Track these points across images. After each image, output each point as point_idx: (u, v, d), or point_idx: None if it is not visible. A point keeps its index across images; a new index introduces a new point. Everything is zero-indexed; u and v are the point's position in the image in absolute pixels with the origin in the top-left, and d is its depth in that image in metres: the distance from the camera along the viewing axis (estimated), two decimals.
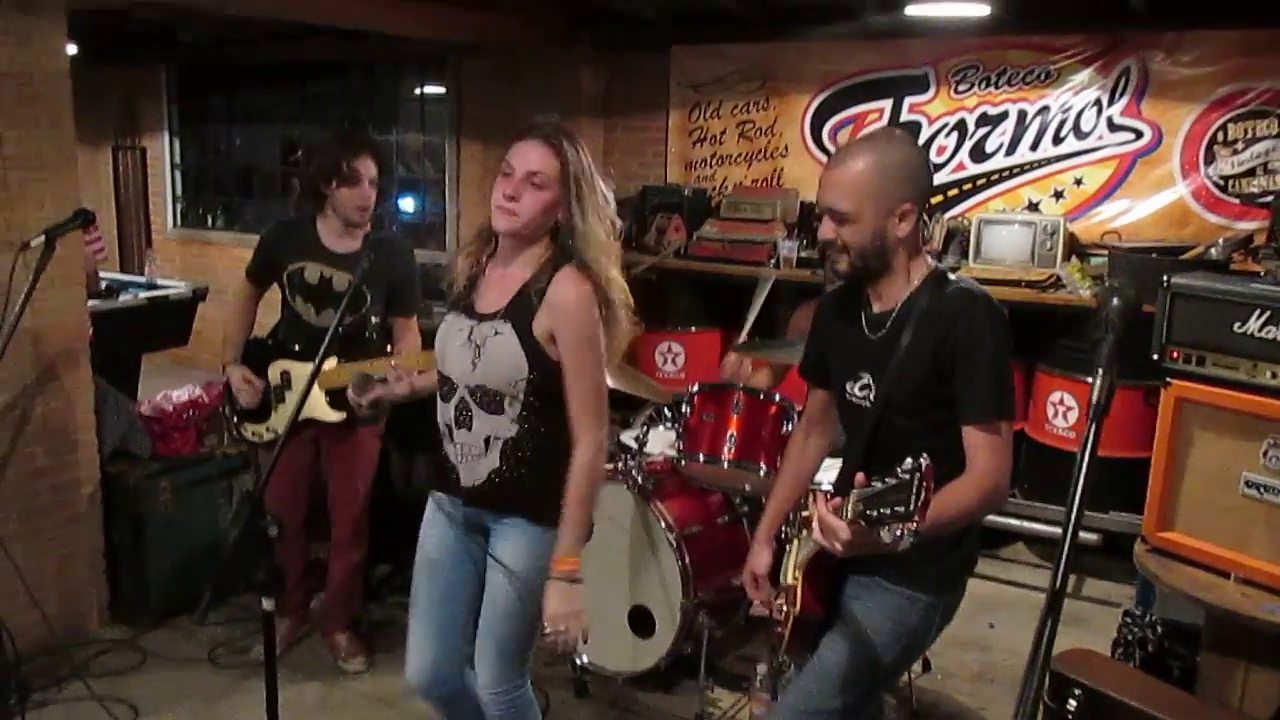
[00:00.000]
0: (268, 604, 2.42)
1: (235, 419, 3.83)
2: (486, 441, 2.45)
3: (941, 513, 1.97)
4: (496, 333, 2.40)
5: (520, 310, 2.39)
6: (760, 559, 2.52)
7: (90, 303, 4.20)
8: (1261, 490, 2.79)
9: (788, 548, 2.47)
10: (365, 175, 3.58)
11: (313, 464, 3.84)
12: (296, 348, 3.70)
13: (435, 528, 2.63)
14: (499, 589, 2.50)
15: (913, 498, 1.71)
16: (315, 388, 3.55)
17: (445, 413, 2.52)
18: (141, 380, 5.47)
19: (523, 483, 2.45)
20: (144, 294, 5.49)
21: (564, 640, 2.39)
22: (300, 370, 3.67)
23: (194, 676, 3.84)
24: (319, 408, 3.63)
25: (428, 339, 3.75)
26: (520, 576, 2.47)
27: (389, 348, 3.73)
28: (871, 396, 2.26)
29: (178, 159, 8.93)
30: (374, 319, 3.67)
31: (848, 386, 2.33)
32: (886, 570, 2.26)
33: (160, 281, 5.84)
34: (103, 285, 5.38)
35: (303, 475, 3.81)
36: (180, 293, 5.60)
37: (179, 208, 9.01)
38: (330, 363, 3.57)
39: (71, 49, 3.90)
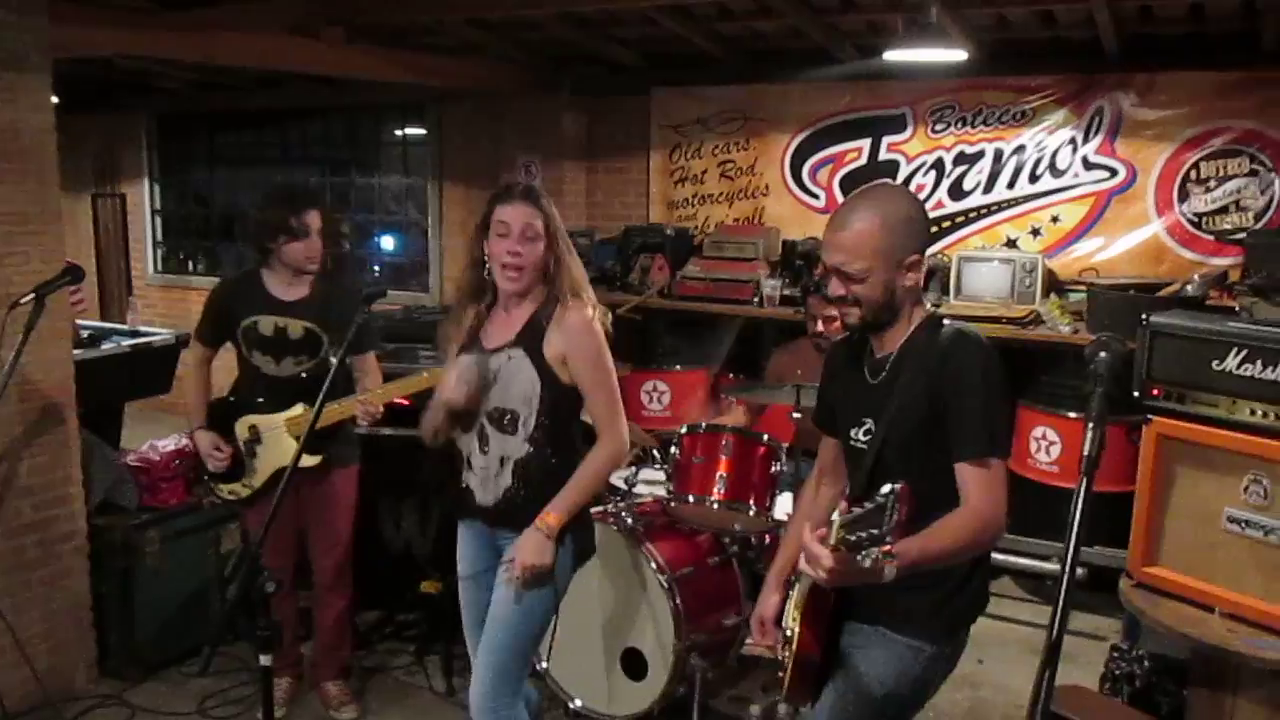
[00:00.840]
0: (265, 659, 2.42)
1: (209, 481, 3.82)
2: (501, 461, 2.72)
3: (929, 544, 1.98)
4: (510, 358, 2.69)
5: (531, 336, 2.68)
6: (768, 603, 2.52)
7: (73, 352, 4.19)
8: (1243, 525, 2.83)
9: (790, 593, 2.49)
10: (313, 228, 3.63)
11: (296, 511, 3.82)
12: (260, 400, 3.71)
13: (464, 555, 2.87)
14: (502, 603, 2.68)
15: (887, 519, 1.73)
16: (285, 435, 3.62)
17: (468, 442, 2.78)
18: (125, 428, 5.45)
19: (532, 501, 2.66)
20: (126, 342, 5.47)
21: (521, 577, 2.60)
22: (267, 423, 3.68)
23: None
24: (291, 455, 3.63)
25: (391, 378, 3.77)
26: (520, 593, 2.65)
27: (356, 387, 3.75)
28: (871, 440, 2.29)
29: (158, 205, 8.93)
30: (333, 360, 3.69)
31: (851, 433, 2.36)
32: (888, 619, 2.27)
33: (143, 329, 5.82)
34: (84, 334, 5.36)
35: (289, 524, 3.79)
36: (163, 340, 5.58)
37: (159, 254, 8.99)
38: (296, 409, 3.62)
39: (53, 100, 3.92)
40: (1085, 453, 1.47)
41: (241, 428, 3.71)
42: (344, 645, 4.03)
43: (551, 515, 2.62)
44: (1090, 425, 1.50)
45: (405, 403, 3.86)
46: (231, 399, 3.79)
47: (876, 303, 2.23)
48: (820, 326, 4.29)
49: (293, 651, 3.98)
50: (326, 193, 8.08)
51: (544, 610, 2.73)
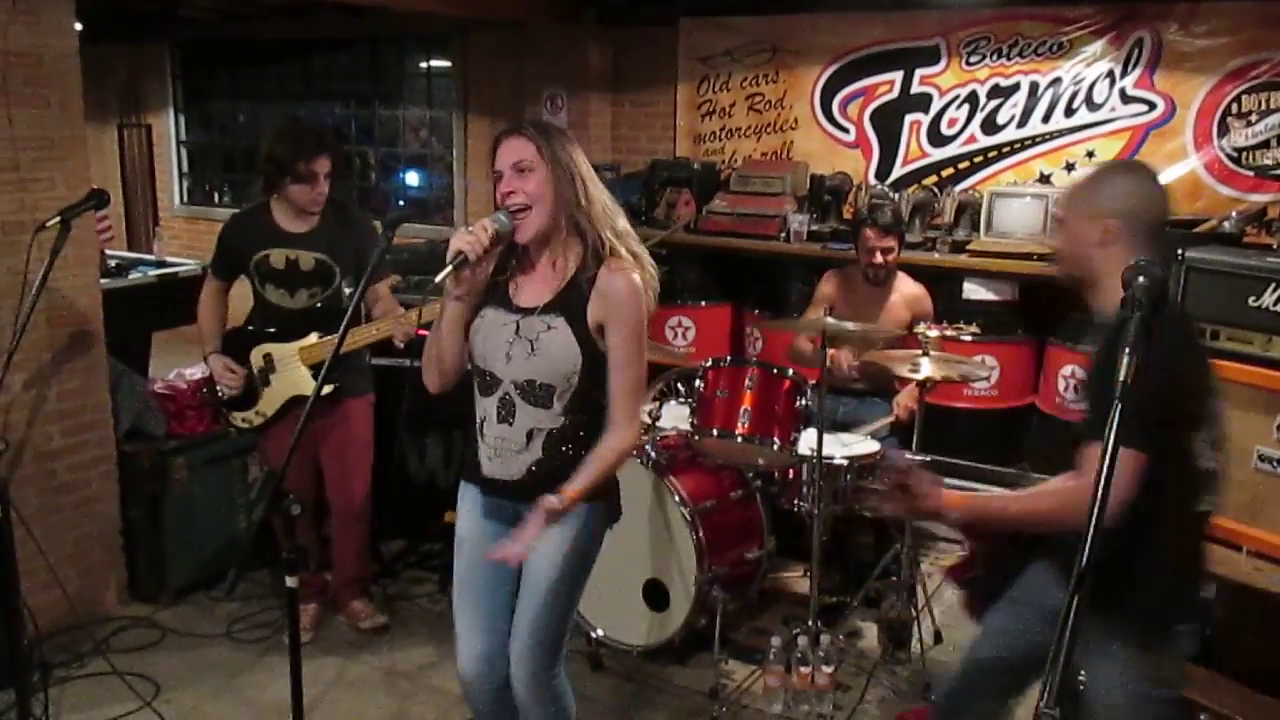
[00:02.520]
0: (291, 581, 2.43)
1: (222, 409, 3.84)
2: (529, 435, 2.46)
3: (1010, 505, 2.15)
4: (550, 327, 2.41)
5: (571, 302, 2.40)
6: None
7: (100, 281, 4.21)
8: (1274, 464, 2.81)
9: None
10: (320, 173, 3.59)
11: (312, 441, 3.79)
12: (275, 330, 3.72)
13: (470, 520, 2.62)
14: (537, 578, 2.50)
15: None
16: (299, 365, 3.64)
17: (484, 407, 2.52)
18: (152, 358, 5.49)
19: (562, 472, 2.42)
20: (153, 272, 5.49)
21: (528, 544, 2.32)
22: (282, 351, 3.70)
23: (213, 652, 3.89)
24: (304, 384, 3.67)
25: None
26: (558, 564, 2.49)
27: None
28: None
29: (183, 136, 8.92)
30: (346, 290, 3.71)
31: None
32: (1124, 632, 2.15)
33: (169, 259, 5.84)
34: (112, 264, 5.39)
35: (306, 454, 3.79)
36: (190, 270, 5.60)
37: (185, 185, 9.01)
38: (311, 338, 3.64)
39: (76, 27, 3.89)
40: (1120, 378, 1.44)
41: (256, 356, 3.73)
42: (365, 571, 4.11)
43: (571, 491, 2.35)
44: (1127, 351, 1.46)
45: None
46: (247, 328, 3.80)
47: (1066, 256, 2.28)
48: (878, 258, 4.29)
49: (317, 579, 4.04)
50: (351, 126, 8.04)
51: (583, 577, 2.58)
